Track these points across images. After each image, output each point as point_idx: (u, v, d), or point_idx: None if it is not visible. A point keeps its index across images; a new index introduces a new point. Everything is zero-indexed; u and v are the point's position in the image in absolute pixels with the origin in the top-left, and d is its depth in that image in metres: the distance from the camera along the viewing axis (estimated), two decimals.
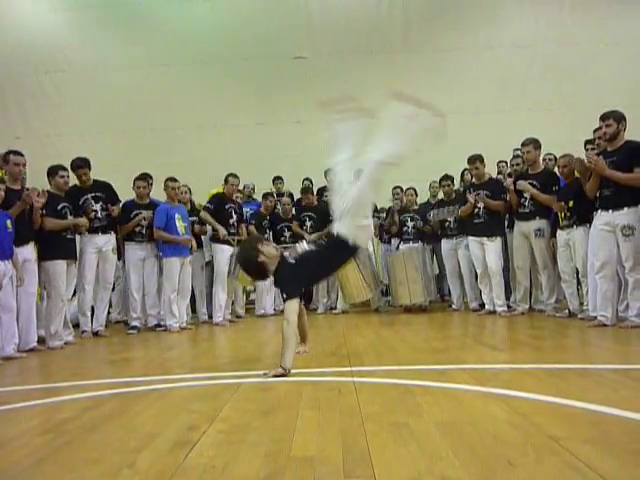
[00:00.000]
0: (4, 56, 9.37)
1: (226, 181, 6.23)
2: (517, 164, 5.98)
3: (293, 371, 3.06)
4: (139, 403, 2.49)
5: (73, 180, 5.25)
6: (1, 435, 2.05)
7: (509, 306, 5.79)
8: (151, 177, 6.07)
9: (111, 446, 1.84)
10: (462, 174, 7.05)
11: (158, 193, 6.01)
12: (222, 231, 5.89)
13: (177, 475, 1.54)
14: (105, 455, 1.75)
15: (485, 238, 5.71)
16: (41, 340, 4.61)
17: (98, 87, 9.37)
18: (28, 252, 4.39)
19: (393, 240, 7.46)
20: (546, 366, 2.92)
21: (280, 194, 7.65)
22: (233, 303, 6.67)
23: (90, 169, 5.34)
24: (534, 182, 5.27)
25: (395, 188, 7.25)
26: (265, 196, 7.08)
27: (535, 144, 5.30)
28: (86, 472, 1.61)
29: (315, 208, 6.95)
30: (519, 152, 5.76)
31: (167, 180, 5.69)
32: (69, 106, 9.35)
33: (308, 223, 6.85)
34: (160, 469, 1.59)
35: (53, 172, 4.88)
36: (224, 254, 5.97)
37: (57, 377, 3.43)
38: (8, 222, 4.09)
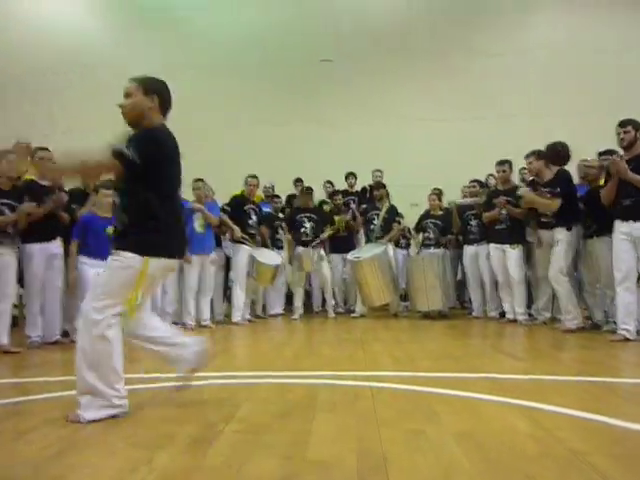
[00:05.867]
0: (37, 56, 9.59)
1: (245, 182, 6.27)
2: (525, 173, 6.03)
3: (308, 373, 3.05)
4: (157, 400, 2.52)
5: None
6: (22, 425, 2.09)
7: (530, 315, 5.70)
8: None
9: (129, 442, 1.86)
10: (486, 179, 6.95)
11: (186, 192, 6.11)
12: (237, 232, 5.92)
13: (193, 473, 1.55)
14: (123, 450, 1.77)
15: (507, 245, 5.63)
16: (64, 334, 4.70)
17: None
18: (55, 247, 4.48)
19: (413, 245, 7.39)
20: (568, 378, 2.86)
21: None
22: (254, 303, 6.69)
23: None
24: (545, 189, 5.14)
25: (435, 189, 7.03)
26: (271, 198, 7.17)
27: (537, 155, 5.21)
28: (104, 466, 1.63)
29: (313, 210, 6.81)
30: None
31: (193, 181, 5.79)
32: (98, 106, 9.49)
33: (308, 224, 6.69)
34: (177, 467, 1.61)
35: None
36: (243, 254, 6.00)
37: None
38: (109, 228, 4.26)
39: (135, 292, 2.20)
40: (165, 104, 2.37)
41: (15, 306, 4.62)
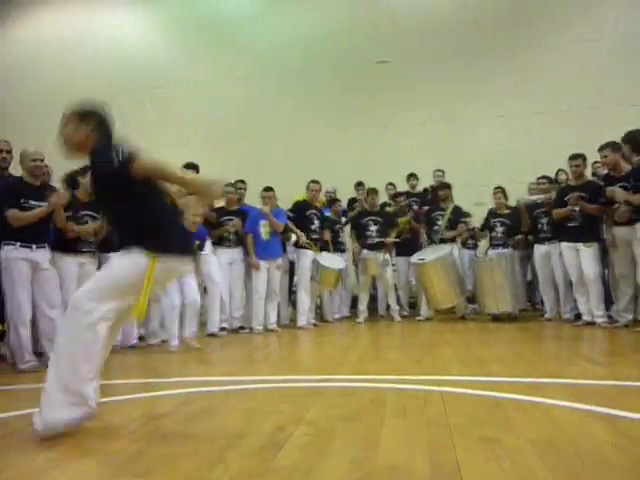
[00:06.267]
0: (107, 75, 10.22)
1: (307, 187, 6.35)
2: (598, 167, 5.71)
3: (377, 377, 3.03)
4: (228, 402, 2.60)
5: None
6: (109, 423, 2.23)
7: (610, 317, 5.36)
8: (244, 183, 6.33)
9: (204, 442, 1.93)
10: (556, 174, 6.63)
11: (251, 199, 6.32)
12: (302, 237, 6.02)
13: (266, 475, 1.59)
14: (199, 450, 1.84)
15: (580, 244, 5.33)
16: (140, 338, 4.97)
17: (191, 100, 9.95)
18: None
19: (480, 245, 7.17)
20: None
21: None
22: (318, 307, 6.74)
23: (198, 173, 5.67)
24: (625, 184, 4.82)
25: (496, 189, 6.82)
26: (332, 202, 7.20)
27: (613, 147, 4.89)
28: (183, 465, 1.70)
29: (378, 213, 6.69)
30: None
31: (262, 190, 5.94)
32: (166, 119, 10.00)
33: (373, 227, 6.53)
34: (250, 467, 1.65)
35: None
36: (307, 259, 6.07)
37: (154, 373, 3.66)
38: None
39: (145, 293, 2.07)
40: (103, 124, 2.28)
41: None
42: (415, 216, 6.99)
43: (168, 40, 10.45)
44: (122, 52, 10.36)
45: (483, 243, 7.11)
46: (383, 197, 7.55)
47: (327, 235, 6.45)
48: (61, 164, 4.77)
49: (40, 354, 3.83)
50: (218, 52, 10.09)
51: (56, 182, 4.76)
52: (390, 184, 7.68)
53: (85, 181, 4.31)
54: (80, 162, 4.53)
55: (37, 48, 10.69)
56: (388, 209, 7.17)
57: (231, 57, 10.01)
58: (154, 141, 9.83)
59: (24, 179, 3.87)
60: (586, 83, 8.57)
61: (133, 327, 4.81)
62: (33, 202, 3.80)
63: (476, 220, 7.07)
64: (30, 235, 3.76)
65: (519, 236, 6.35)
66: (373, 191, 6.73)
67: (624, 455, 1.64)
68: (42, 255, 3.84)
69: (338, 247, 6.80)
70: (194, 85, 10.05)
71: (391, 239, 6.60)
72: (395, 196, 7.33)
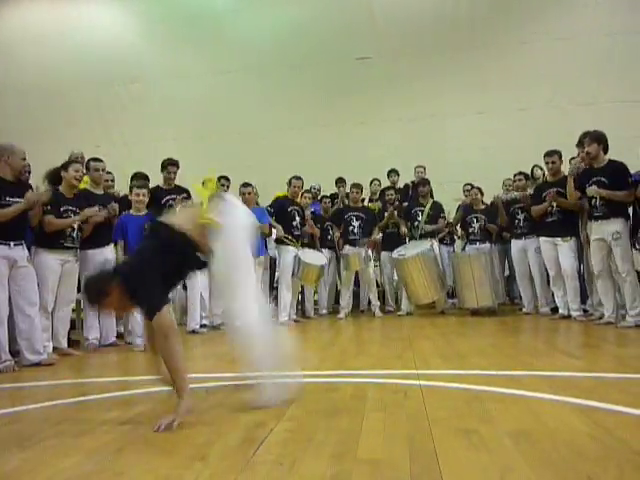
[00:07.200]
0: (85, 70, 10.04)
1: (289, 183, 6.32)
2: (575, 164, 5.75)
3: (358, 372, 3.04)
4: (209, 399, 2.58)
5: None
6: (84, 424, 2.19)
7: (585, 310, 5.47)
8: (228, 180, 6.28)
9: (183, 439, 1.91)
10: (532, 170, 6.73)
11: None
12: (279, 231, 6.01)
13: (246, 471, 1.58)
14: (178, 448, 1.82)
15: (558, 238, 5.42)
16: (119, 336, 4.90)
17: (170, 96, 9.84)
18: (109, 252, 4.68)
19: (458, 241, 7.25)
20: (630, 376, 2.72)
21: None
22: (302, 303, 6.74)
23: (178, 169, 5.59)
24: (601, 178, 4.89)
25: (466, 185, 7.01)
26: (322, 199, 7.23)
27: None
28: (160, 463, 1.68)
29: (362, 209, 6.72)
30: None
31: (240, 186, 5.88)
32: (144, 115, 9.87)
33: (355, 223, 6.56)
34: (230, 464, 1.64)
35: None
36: (288, 254, 6.06)
37: (133, 371, 3.61)
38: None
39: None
40: None
41: (72, 310, 4.83)
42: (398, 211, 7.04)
43: (148, 35, 10.31)
44: (100, 46, 10.17)
45: (459, 239, 7.22)
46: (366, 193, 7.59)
47: (308, 231, 6.45)
48: (38, 160, 4.74)
49: (17, 353, 3.75)
50: (199, 47, 9.99)
51: (33, 179, 4.68)
52: (375, 179, 7.71)
53: (68, 175, 4.22)
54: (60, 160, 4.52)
55: (15, 40, 10.45)
56: (370, 205, 7.20)
57: (212, 52, 9.94)
58: (134, 137, 9.77)
59: (1, 176, 3.77)
60: (565, 80, 8.72)
61: (112, 325, 4.74)
62: (10, 199, 3.70)
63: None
64: (7, 232, 3.67)
65: (493, 225, 6.46)
66: (357, 186, 6.74)
67: (598, 443, 1.68)
68: (20, 252, 3.75)
69: (327, 244, 6.80)
70: (174, 80, 9.95)
71: (376, 237, 6.64)
72: (384, 190, 7.34)
